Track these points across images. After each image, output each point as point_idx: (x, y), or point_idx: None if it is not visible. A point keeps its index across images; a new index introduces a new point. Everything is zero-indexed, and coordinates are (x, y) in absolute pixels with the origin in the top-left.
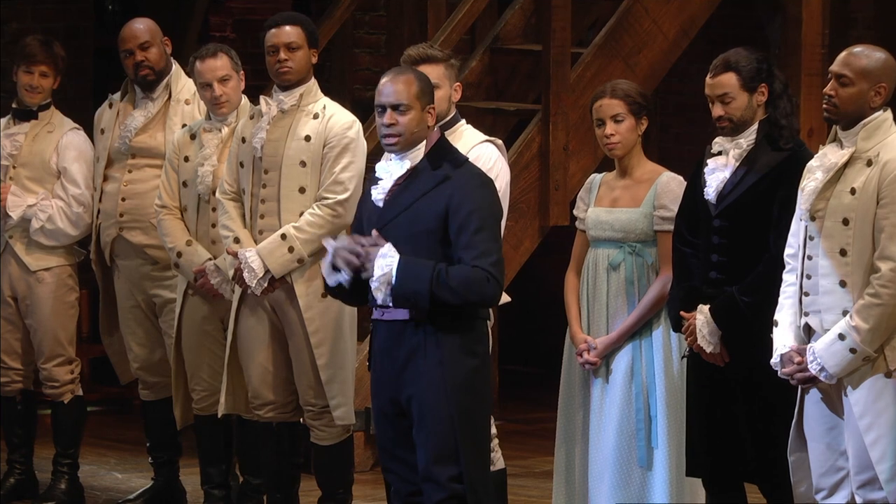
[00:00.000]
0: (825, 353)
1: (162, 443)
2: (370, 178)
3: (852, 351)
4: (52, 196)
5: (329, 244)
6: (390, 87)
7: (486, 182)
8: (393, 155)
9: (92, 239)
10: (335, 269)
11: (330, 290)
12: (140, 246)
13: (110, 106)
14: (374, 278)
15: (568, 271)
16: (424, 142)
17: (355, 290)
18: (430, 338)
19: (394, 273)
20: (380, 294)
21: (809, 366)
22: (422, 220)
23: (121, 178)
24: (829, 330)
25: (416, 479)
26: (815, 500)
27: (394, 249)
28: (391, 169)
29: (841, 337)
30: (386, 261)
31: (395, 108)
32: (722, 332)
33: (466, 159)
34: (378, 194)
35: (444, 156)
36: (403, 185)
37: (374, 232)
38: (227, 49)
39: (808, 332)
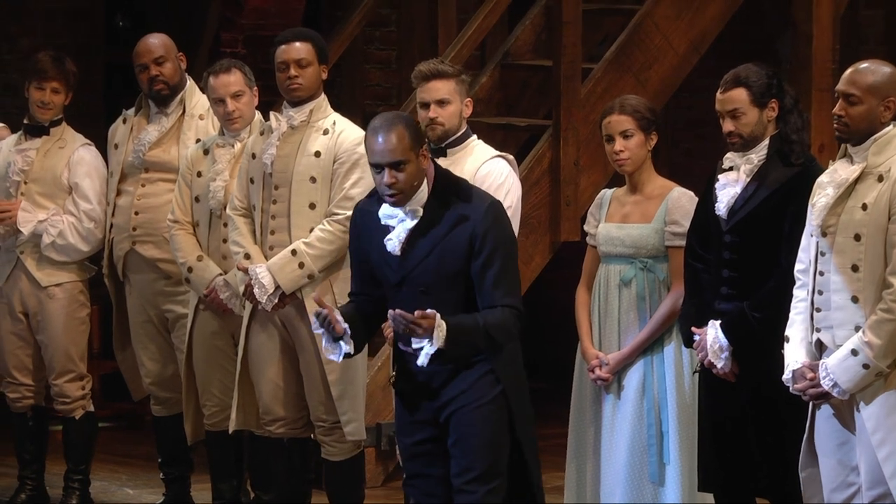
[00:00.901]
0: (838, 369)
1: (173, 458)
2: (363, 211)
3: (865, 367)
4: (64, 212)
5: (314, 318)
6: (383, 147)
7: (498, 209)
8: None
9: (104, 253)
10: (334, 339)
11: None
12: (153, 260)
13: (124, 121)
14: (432, 345)
15: (579, 287)
16: (425, 180)
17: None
18: (474, 367)
19: (444, 339)
20: (426, 358)
21: (822, 381)
22: (448, 263)
23: (134, 193)
24: (841, 346)
25: (438, 494)
26: None
27: (440, 318)
28: (398, 213)
29: (854, 353)
30: (438, 331)
31: (393, 166)
32: (733, 347)
33: (470, 186)
34: (393, 246)
35: (448, 189)
36: (416, 230)
37: (402, 313)
38: (241, 65)
39: (819, 348)
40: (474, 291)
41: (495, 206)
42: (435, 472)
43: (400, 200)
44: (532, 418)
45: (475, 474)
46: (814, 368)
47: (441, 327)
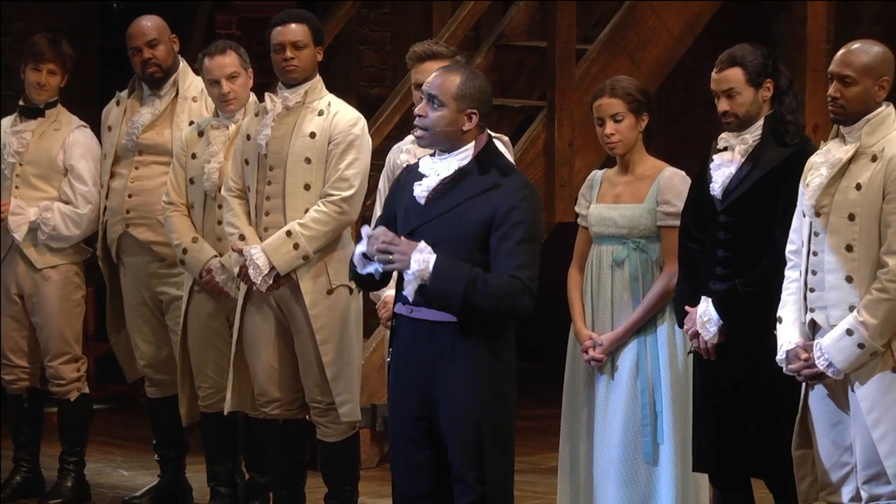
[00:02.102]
0: (833, 349)
1: (168, 440)
2: (410, 168)
3: (860, 346)
4: (59, 194)
5: (366, 230)
6: (435, 80)
7: (534, 193)
8: (441, 153)
9: (98, 236)
10: (366, 257)
11: (355, 277)
12: (146, 243)
13: (118, 103)
14: (409, 271)
15: (571, 268)
16: (473, 144)
17: (383, 281)
18: (458, 342)
19: (430, 269)
20: (411, 288)
21: (816, 361)
22: (463, 225)
23: (127, 175)
24: (835, 326)
25: (422, 482)
26: (820, 496)
27: (427, 246)
28: (437, 167)
29: (849, 332)
30: (423, 255)
31: (430, 99)
32: (723, 321)
33: (514, 167)
34: (421, 192)
35: (492, 161)
36: (448, 185)
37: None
38: (237, 46)
39: (813, 328)
40: (480, 262)
41: (530, 188)
42: (420, 458)
43: (423, 138)
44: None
45: (463, 463)
46: (808, 349)
47: (427, 252)
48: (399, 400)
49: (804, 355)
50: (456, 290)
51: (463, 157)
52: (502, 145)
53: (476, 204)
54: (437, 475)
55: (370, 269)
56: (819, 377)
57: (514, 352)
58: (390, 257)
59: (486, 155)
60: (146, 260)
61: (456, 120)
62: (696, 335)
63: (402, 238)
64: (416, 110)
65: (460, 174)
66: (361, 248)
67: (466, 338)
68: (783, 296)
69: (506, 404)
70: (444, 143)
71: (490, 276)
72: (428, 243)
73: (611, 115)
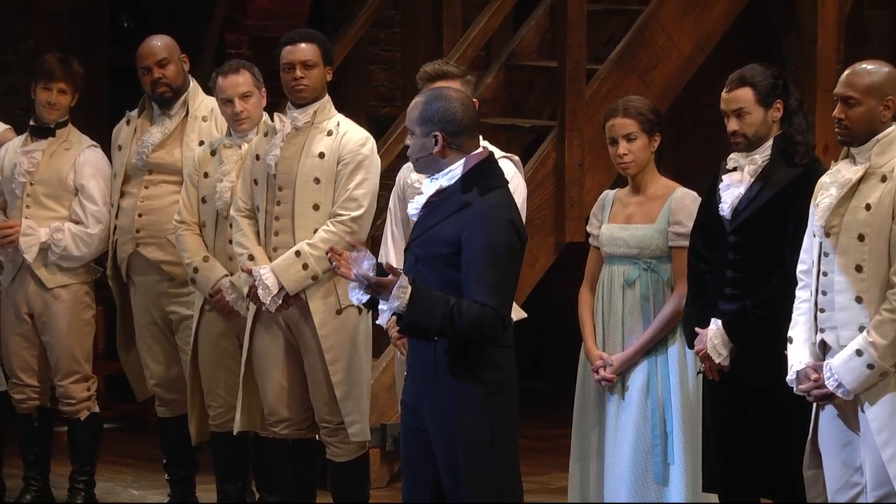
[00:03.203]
0: (842, 370)
1: (178, 459)
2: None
3: (870, 367)
4: (70, 213)
5: (353, 261)
6: (409, 109)
7: (506, 213)
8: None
9: (108, 255)
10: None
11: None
12: (156, 262)
13: (128, 122)
14: (386, 309)
15: (582, 287)
16: (462, 162)
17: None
18: (440, 361)
19: (404, 306)
20: (384, 319)
21: (826, 382)
22: (438, 244)
23: (137, 194)
24: (845, 346)
25: (425, 496)
26: None
27: (407, 281)
28: (426, 187)
29: (858, 353)
30: (400, 291)
31: (409, 130)
32: (734, 345)
33: (501, 185)
34: (412, 209)
35: (477, 180)
36: (434, 204)
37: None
38: (250, 66)
39: (823, 349)
40: (454, 280)
41: (499, 210)
42: (422, 472)
43: (414, 165)
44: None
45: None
46: (818, 369)
47: (404, 288)
48: (404, 412)
49: (814, 376)
50: (432, 326)
51: (450, 176)
52: (513, 165)
53: (448, 224)
54: (441, 489)
55: (353, 297)
56: (829, 398)
57: (506, 370)
58: (370, 292)
59: (475, 173)
60: (156, 279)
61: (425, 145)
62: (708, 357)
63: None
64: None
65: (441, 194)
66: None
67: (447, 357)
68: (794, 316)
69: (493, 423)
70: (426, 168)
71: (464, 307)
72: (413, 261)
73: (624, 134)
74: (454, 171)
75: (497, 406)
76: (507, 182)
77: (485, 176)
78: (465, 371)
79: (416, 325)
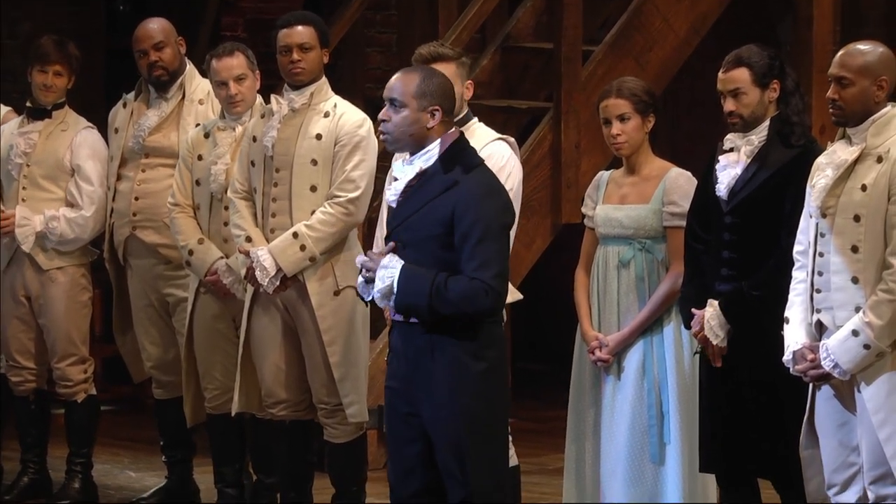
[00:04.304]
0: (839, 350)
1: (175, 441)
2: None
3: (866, 347)
4: (66, 194)
5: (358, 260)
6: (392, 81)
7: (495, 190)
8: (407, 155)
9: (105, 238)
10: (368, 282)
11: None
12: (153, 245)
13: (124, 105)
14: (375, 290)
15: (577, 269)
16: (438, 142)
17: None
18: (436, 342)
19: (394, 285)
20: (384, 303)
21: (823, 362)
22: (427, 226)
23: (134, 178)
24: (841, 326)
25: (414, 481)
26: (827, 496)
27: (396, 259)
28: (405, 171)
29: (854, 333)
30: (388, 272)
31: (390, 101)
32: (731, 326)
33: (480, 163)
34: (391, 196)
35: (457, 159)
36: (415, 187)
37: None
38: (244, 48)
39: (819, 329)
40: (448, 260)
41: (491, 184)
42: (412, 457)
43: (387, 141)
44: (504, 408)
45: (450, 462)
46: (814, 349)
47: (388, 272)
48: (391, 397)
49: (810, 356)
50: (420, 302)
51: (427, 157)
52: (508, 146)
53: (437, 204)
54: (431, 473)
55: (367, 297)
56: (825, 378)
57: (499, 348)
58: (371, 278)
59: (452, 152)
60: (152, 262)
61: (419, 119)
62: (706, 340)
63: (373, 253)
64: (380, 115)
65: (425, 175)
66: (360, 276)
67: (442, 336)
68: (790, 296)
69: (488, 401)
70: (409, 144)
71: (451, 281)
72: (400, 246)
73: (617, 115)
74: (431, 152)
75: (494, 382)
76: (483, 159)
77: (463, 154)
78: (461, 350)
79: (406, 305)
